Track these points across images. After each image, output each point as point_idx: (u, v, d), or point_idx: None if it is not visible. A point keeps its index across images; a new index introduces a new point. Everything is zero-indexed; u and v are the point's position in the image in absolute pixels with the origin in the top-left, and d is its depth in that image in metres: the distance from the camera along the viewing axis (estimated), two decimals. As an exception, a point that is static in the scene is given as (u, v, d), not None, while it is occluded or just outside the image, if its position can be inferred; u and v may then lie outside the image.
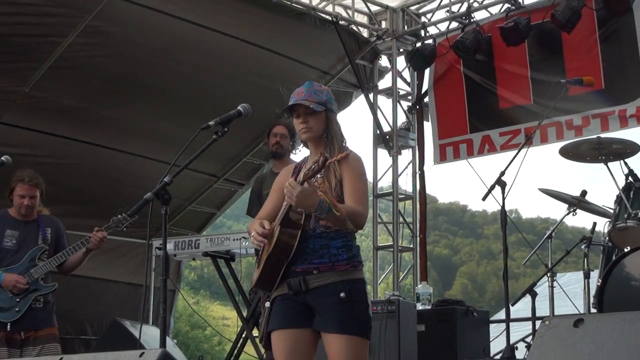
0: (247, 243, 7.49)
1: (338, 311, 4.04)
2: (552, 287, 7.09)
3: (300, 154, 6.56)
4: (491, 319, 8.93)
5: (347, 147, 4.33)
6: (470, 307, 8.30)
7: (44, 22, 8.82)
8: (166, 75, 9.85)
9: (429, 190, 11.06)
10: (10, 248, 6.38)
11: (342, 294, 4.04)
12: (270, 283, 4.19)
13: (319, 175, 4.05)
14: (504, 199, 6.41)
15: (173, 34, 9.41)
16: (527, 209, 53.64)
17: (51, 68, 9.16)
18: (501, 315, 9.53)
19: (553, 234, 7.21)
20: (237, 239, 7.78)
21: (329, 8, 10.43)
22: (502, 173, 6.45)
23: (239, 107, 4.67)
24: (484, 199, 6.56)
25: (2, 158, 6.27)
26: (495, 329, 8.72)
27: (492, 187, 6.46)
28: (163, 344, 4.51)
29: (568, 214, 7.07)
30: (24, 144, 9.54)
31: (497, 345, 7.98)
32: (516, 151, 6.84)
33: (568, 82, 6.86)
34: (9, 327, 6.19)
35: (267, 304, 4.33)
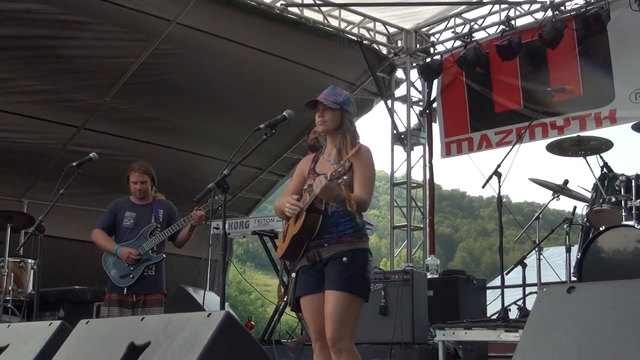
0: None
1: (338, 272, 4.10)
2: (539, 259, 7.00)
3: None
4: (487, 285, 8.92)
5: (359, 141, 4.35)
6: (470, 276, 8.32)
7: (121, 45, 8.93)
8: (222, 89, 9.91)
9: (436, 180, 11.10)
10: (128, 226, 6.39)
11: (344, 259, 4.10)
12: (294, 255, 4.29)
13: (345, 177, 4.03)
14: (499, 186, 6.41)
15: (228, 54, 9.47)
16: (516, 195, 53.18)
17: (126, 84, 9.26)
18: (496, 282, 9.57)
19: (540, 215, 7.20)
20: (280, 220, 7.82)
21: (355, 30, 10.49)
22: (498, 165, 6.46)
23: (284, 113, 4.68)
24: (483, 186, 6.51)
25: (91, 155, 6.31)
26: (490, 294, 8.71)
27: (490, 177, 6.46)
28: (223, 306, 4.65)
29: (552, 199, 6.95)
30: (106, 146, 9.60)
31: (492, 307, 8.00)
32: (509, 147, 6.87)
33: (553, 90, 6.92)
34: (125, 291, 6.24)
35: (293, 275, 4.39)
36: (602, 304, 1.61)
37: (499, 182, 6.45)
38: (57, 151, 9.85)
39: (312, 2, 9.82)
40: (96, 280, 7.18)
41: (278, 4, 9.55)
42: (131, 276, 6.29)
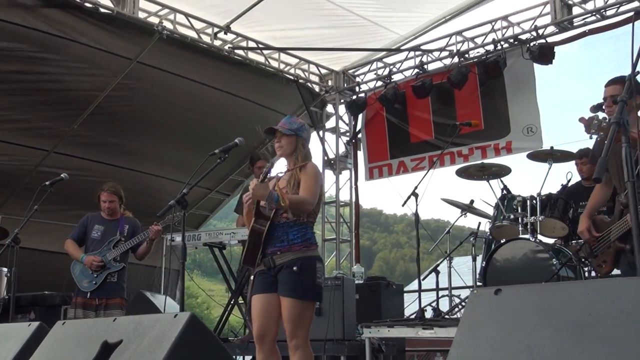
0: (234, 236, 7.53)
1: (290, 280, 4.09)
2: (449, 267, 7.16)
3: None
4: (404, 289, 8.98)
5: (311, 159, 4.40)
6: (390, 282, 8.34)
7: (88, 80, 8.76)
8: (177, 119, 9.79)
9: (346, 199, 11.15)
10: (95, 238, 6.39)
11: (294, 268, 4.10)
12: (252, 260, 4.25)
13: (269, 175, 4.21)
14: (417, 205, 6.53)
15: (181, 89, 9.37)
16: (425, 213, 53.80)
17: (91, 114, 9.10)
18: (411, 287, 9.64)
19: (450, 230, 7.32)
20: (227, 234, 7.76)
21: (292, 70, 10.50)
22: (416, 187, 6.54)
23: (236, 140, 4.66)
24: (403, 205, 6.57)
25: (62, 175, 6.32)
26: (407, 297, 8.75)
27: (409, 197, 6.53)
28: (182, 308, 4.59)
29: (460, 216, 7.12)
30: (74, 168, 9.30)
31: (410, 309, 8.08)
32: (423, 172, 6.95)
33: (461, 124, 7.01)
34: (88, 295, 6.21)
35: (252, 278, 4.38)
36: (525, 304, 1.63)
37: (416, 201, 6.53)
38: (29, 172, 9.57)
39: (256, 46, 9.79)
40: (64, 287, 7.04)
41: (226, 47, 9.50)
42: (94, 282, 6.24)
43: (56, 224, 9.67)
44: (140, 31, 8.52)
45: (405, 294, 8.80)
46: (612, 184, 4.75)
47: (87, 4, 8.04)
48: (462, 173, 6.83)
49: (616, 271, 4.91)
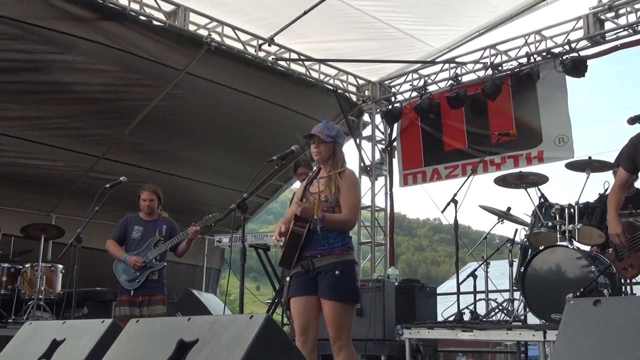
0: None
1: (332, 284, 4.06)
2: (487, 271, 7.08)
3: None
4: (442, 292, 8.92)
5: (346, 165, 4.34)
6: (424, 284, 8.31)
7: (139, 90, 8.87)
8: (220, 127, 9.84)
9: (381, 204, 11.13)
10: (136, 238, 6.45)
11: (337, 272, 4.07)
12: (289, 262, 4.22)
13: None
14: (456, 211, 6.42)
15: (227, 99, 9.43)
16: (448, 218, 53.79)
17: (141, 123, 9.20)
18: (439, 290, 9.51)
19: (487, 236, 7.23)
20: (272, 236, 7.78)
21: (331, 81, 10.50)
22: (455, 194, 6.45)
23: (292, 147, 4.59)
24: (442, 211, 6.49)
25: (121, 179, 6.41)
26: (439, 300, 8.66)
27: (449, 203, 6.44)
28: (242, 309, 4.54)
29: (497, 222, 7.00)
30: (121, 173, 9.35)
31: (448, 312, 7.99)
32: (464, 179, 6.83)
33: (500, 134, 6.93)
34: (132, 292, 6.27)
35: (287, 279, 4.38)
36: (625, 317, 1.57)
37: (456, 208, 6.44)
38: (80, 177, 9.74)
39: (297, 57, 9.80)
40: (114, 283, 7.09)
41: (270, 58, 9.53)
42: (137, 280, 6.32)
43: (102, 223, 9.78)
44: (190, 43, 8.60)
45: (437, 297, 8.72)
46: (627, 187, 4.68)
47: (142, 17, 8.12)
48: (500, 181, 6.73)
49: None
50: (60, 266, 8.01)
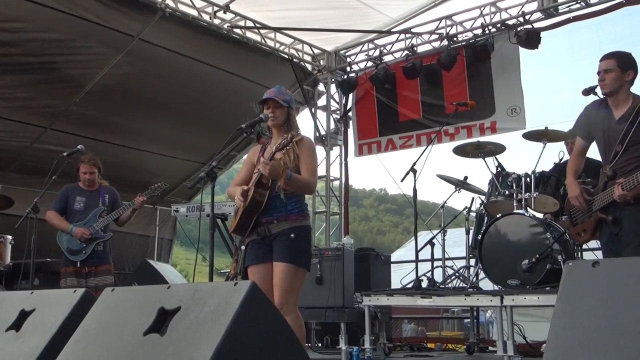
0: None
1: (285, 247, 4.06)
2: (444, 239, 7.20)
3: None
4: (402, 260, 9.03)
5: (301, 133, 4.30)
6: (379, 253, 8.40)
7: (90, 58, 8.63)
8: (175, 96, 9.67)
9: (336, 174, 11.23)
10: (79, 209, 6.37)
11: (292, 235, 4.07)
12: (244, 229, 4.20)
13: (288, 147, 4.03)
14: (415, 181, 6.47)
15: (181, 67, 9.26)
16: (391, 188, 54.48)
17: (90, 92, 8.97)
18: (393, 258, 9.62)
19: (445, 205, 7.33)
20: (230, 205, 7.73)
21: (286, 50, 10.45)
22: (414, 163, 6.49)
23: (261, 115, 4.38)
24: (402, 180, 6.54)
25: (79, 147, 6.28)
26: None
27: (408, 173, 6.50)
28: (211, 277, 4.52)
29: (455, 192, 7.12)
30: (70, 145, 9.20)
31: (395, 279, 8.13)
32: (418, 149, 6.93)
33: (458, 104, 7.00)
34: (78, 264, 6.23)
35: (242, 247, 4.40)
36: (625, 277, 1.63)
37: (415, 177, 6.50)
38: (25, 148, 9.49)
39: (253, 25, 9.69)
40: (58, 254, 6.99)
41: (225, 26, 9.40)
42: (84, 252, 6.27)
43: (53, 194, 9.58)
44: (143, 8, 8.40)
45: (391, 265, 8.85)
46: (585, 155, 4.83)
47: (94, -20, 7.86)
48: (459, 151, 6.83)
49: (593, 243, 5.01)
50: (10, 237, 7.80)
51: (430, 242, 7.16)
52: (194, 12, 8.95)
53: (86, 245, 6.25)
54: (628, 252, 4.22)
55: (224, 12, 9.25)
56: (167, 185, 6.82)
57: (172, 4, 8.60)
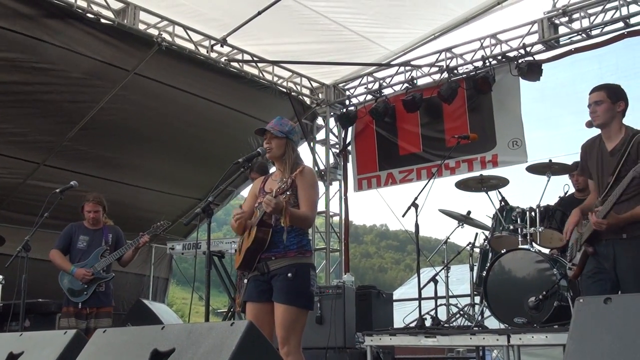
0: (234, 245, 7.39)
1: (284, 287, 4.00)
2: (447, 276, 7.13)
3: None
4: (404, 298, 8.96)
5: (302, 162, 4.26)
6: (380, 291, 8.36)
7: (85, 91, 8.59)
8: (171, 131, 9.66)
9: (336, 209, 11.21)
10: (82, 248, 6.42)
11: (289, 274, 4.01)
12: (249, 266, 4.18)
13: (288, 192, 3.95)
14: (417, 216, 6.45)
15: (177, 101, 9.26)
16: (392, 224, 54.28)
17: (85, 127, 8.94)
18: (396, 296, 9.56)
19: (448, 241, 7.27)
20: (227, 242, 7.67)
21: (284, 84, 10.46)
22: (416, 198, 6.47)
23: (258, 149, 4.40)
24: (403, 215, 6.51)
25: (72, 183, 6.29)
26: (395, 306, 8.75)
27: (409, 208, 6.49)
28: (207, 317, 4.45)
29: (458, 226, 7.10)
30: (65, 181, 9.22)
31: (398, 318, 8.06)
32: (418, 183, 6.90)
33: (460, 137, 7.00)
34: (79, 305, 6.23)
35: (245, 281, 4.32)
36: (638, 314, 1.58)
37: (416, 212, 6.47)
38: (18, 184, 9.42)
39: (250, 58, 9.74)
40: (57, 294, 6.93)
41: (222, 59, 9.44)
42: (85, 293, 6.28)
43: (44, 232, 9.51)
44: (139, 42, 8.43)
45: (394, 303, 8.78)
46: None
47: (89, 15, 7.92)
48: (461, 185, 6.83)
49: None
50: (0, 276, 7.73)
51: (434, 279, 7.09)
52: (191, 46, 8.98)
53: (88, 286, 6.28)
54: (628, 288, 4.13)
55: (221, 46, 9.29)
56: (169, 223, 6.80)
57: (168, 38, 8.64)
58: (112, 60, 8.39)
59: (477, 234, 7.08)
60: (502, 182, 6.66)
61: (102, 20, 8.05)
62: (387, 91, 10.52)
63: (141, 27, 8.47)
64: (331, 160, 11.21)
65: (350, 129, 10.97)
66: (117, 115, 9.04)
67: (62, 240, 6.46)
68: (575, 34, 8.62)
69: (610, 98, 4.40)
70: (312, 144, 11.12)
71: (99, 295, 6.33)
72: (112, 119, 9.06)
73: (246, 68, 9.80)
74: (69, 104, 8.70)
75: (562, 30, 8.74)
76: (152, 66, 8.70)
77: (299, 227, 4.14)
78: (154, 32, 8.57)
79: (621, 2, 8.13)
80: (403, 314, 7.33)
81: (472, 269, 6.91)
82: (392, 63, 10.30)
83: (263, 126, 4.37)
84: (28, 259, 5.73)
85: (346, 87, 11.14)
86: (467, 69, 9.59)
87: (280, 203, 3.90)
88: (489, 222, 6.80)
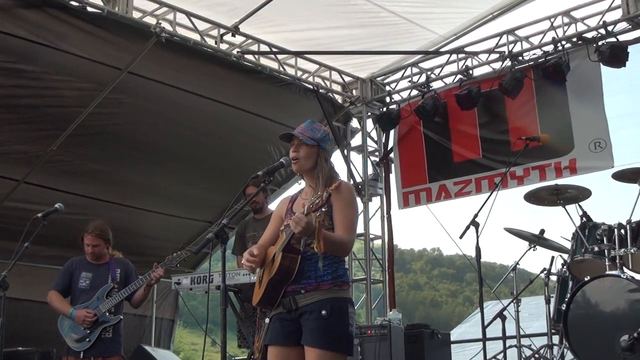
0: (254, 277, 7.35)
1: (318, 327, 3.94)
2: (518, 311, 7.06)
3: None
4: (466, 339, 8.92)
5: (338, 176, 4.22)
6: (434, 330, 8.31)
7: (69, 95, 8.70)
8: (174, 140, 9.76)
9: (377, 231, 11.18)
10: (84, 288, 6.41)
11: (323, 312, 3.93)
12: (271, 301, 4.10)
13: (323, 209, 3.81)
14: (477, 237, 6.42)
15: (181, 104, 9.35)
16: (447, 248, 53.99)
17: (72, 135, 9.02)
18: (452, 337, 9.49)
19: (517, 267, 7.21)
20: (246, 274, 7.63)
21: (310, 79, 10.50)
22: (476, 215, 6.45)
23: (281, 160, 4.38)
24: (461, 237, 6.46)
25: (56, 205, 6.28)
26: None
27: (468, 227, 6.45)
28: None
29: (529, 249, 7.03)
30: (49, 202, 9.34)
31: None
32: (478, 197, 6.87)
33: (528, 139, 6.95)
34: (82, 355, 6.21)
35: (267, 320, 4.24)
36: None
37: (477, 232, 6.42)
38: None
39: (269, 49, 9.79)
40: (47, 341, 6.99)
41: (234, 52, 9.50)
42: (88, 340, 6.24)
43: (29, 266, 9.60)
44: (134, 34, 8.50)
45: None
46: None
47: (73, 2, 8.04)
48: (532, 198, 6.78)
49: None
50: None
51: (501, 315, 7.04)
52: (196, 37, 9.05)
53: (90, 332, 6.25)
54: None
55: (233, 35, 9.32)
56: (188, 253, 6.78)
57: (169, 27, 8.72)
58: (101, 57, 8.48)
59: (553, 258, 7.02)
60: (582, 193, 6.61)
61: (89, 9, 8.15)
62: (436, 85, 10.50)
63: (135, 15, 8.55)
64: (369, 171, 11.18)
65: (392, 132, 10.96)
66: (109, 121, 9.16)
67: (60, 279, 6.49)
68: (670, 8, 8.54)
69: None
70: (345, 151, 11.12)
71: (105, 343, 6.29)
72: (103, 127, 9.18)
73: (263, 61, 9.84)
74: (51, 109, 8.82)
75: (652, 3, 8.67)
76: (150, 62, 8.77)
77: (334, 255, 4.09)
78: (151, 21, 8.63)
79: None
80: (463, 359, 7.28)
81: (548, 302, 6.85)
82: (441, 50, 10.30)
83: (286, 131, 4.34)
84: (6, 299, 5.75)
85: (386, 81, 11.12)
86: (534, 54, 9.54)
87: (312, 223, 3.82)
88: (567, 244, 6.76)
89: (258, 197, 7.15)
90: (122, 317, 6.45)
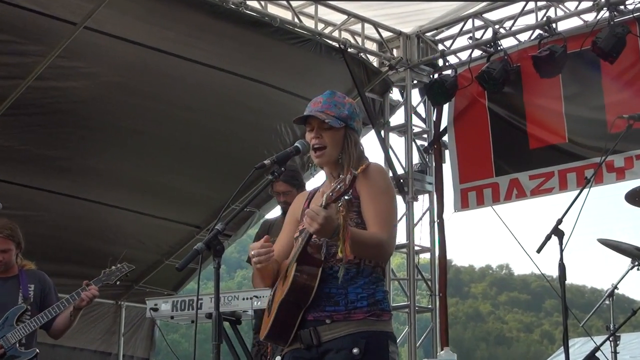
0: (259, 303, 7.26)
1: None
2: (615, 352, 7.07)
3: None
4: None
5: (367, 158, 4.18)
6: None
7: (6, 60, 8.78)
8: (150, 118, 9.88)
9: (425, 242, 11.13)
10: None
11: (355, 350, 3.89)
12: (285, 334, 4.04)
13: (345, 197, 3.67)
14: (561, 250, 6.42)
15: (159, 71, 9.46)
16: (519, 265, 53.93)
17: (10, 113, 9.11)
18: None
19: (615, 292, 7.20)
20: (247, 298, 7.57)
21: (336, 34, 10.47)
22: (560, 221, 6.44)
23: (296, 144, 4.24)
24: (538, 251, 6.47)
25: None
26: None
27: (549, 237, 6.44)
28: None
29: (632, 267, 7.04)
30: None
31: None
32: (565, 195, 6.84)
33: (631, 118, 6.91)
34: None
35: (278, 359, 4.29)
36: None
37: (561, 245, 6.41)
38: None
39: (279, -6, 9.84)
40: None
41: (233, -3, 9.53)
42: None
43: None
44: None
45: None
46: None
47: None
48: (636, 198, 6.76)
49: None
50: None
51: (593, 358, 7.03)
52: (179, -24, 9.10)
53: None
54: None
55: (232, -25, 9.39)
56: (132, 267, 6.81)
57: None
58: (50, 7, 8.52)
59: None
60: None
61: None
62: (506, 42, 10.50)
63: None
64: (415, 159, 11.20)
65: (446, 107, 10.99)
66: (61, 94, 9.26)
67: None
68: None
69: None
70: (382, 133, 11.12)
71: None
72: (52, 100, 9.27)
73: (271, 9, 9.85)
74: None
75: None
76: (114, 14, 8.77)
77: (368, 267, 4.02)
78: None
79: None
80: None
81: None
82: (514, -4, 10.30)
83: (302, 106, 4.32)
84: None
85: (438, 37, 11.19)
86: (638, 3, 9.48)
87: (333, 216, 3.73)
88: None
89: (289, 195, 7.06)
90: (37, 351, 6.47)
